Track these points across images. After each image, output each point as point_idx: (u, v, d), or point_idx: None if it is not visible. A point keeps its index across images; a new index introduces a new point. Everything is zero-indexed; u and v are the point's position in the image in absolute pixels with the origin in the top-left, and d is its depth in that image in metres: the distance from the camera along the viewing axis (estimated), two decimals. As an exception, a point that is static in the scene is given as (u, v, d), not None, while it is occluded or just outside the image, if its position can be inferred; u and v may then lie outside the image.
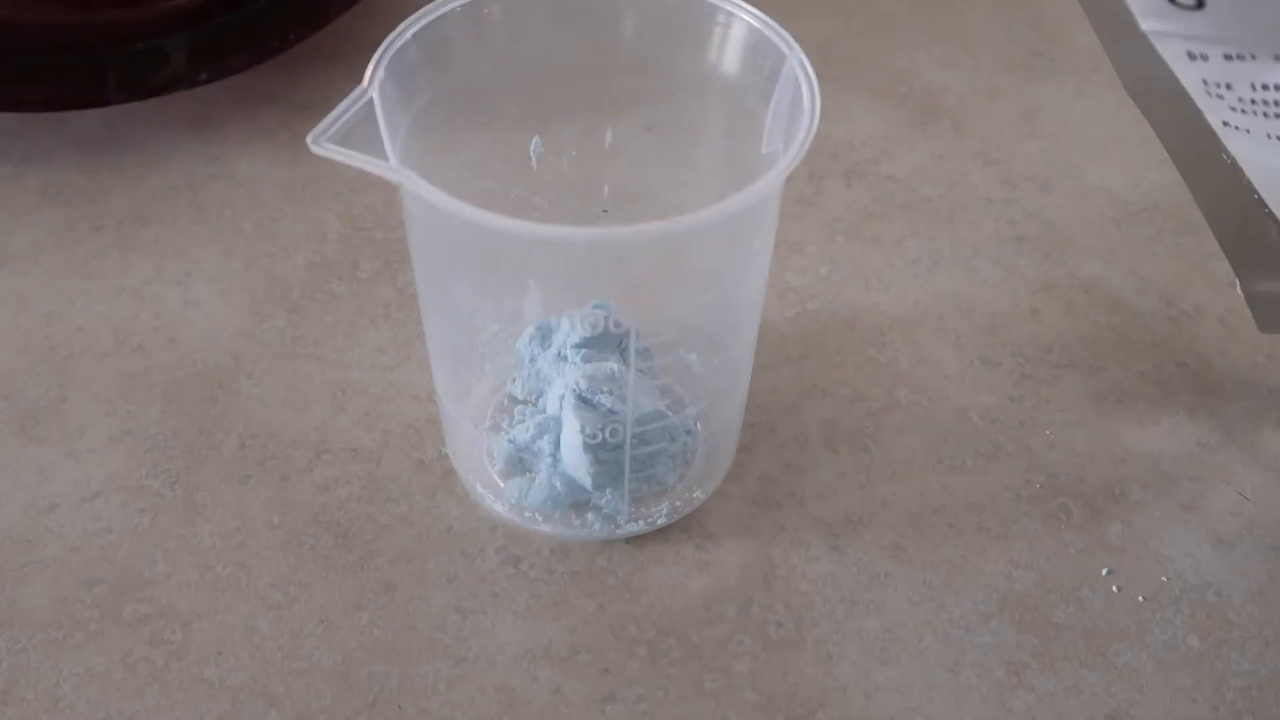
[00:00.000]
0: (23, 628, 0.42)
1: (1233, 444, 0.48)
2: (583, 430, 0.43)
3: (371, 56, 0.39)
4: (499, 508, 0.44)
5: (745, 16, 0.41)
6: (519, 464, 0.45)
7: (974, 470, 0.47)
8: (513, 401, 0.46)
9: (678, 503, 0.44)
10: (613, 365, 0.44)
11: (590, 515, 0.44)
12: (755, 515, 0.45)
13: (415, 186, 0.35)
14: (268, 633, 0.42)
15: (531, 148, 0.44)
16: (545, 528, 0.44)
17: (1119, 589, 0.44)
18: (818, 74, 0.39)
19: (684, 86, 0.43)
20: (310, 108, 0.58)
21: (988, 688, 0.41)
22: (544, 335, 0.46)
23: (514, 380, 0.46)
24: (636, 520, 0.44)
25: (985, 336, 0.51)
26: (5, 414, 0.47)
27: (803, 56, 0.40)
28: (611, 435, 0.42)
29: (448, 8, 0.40)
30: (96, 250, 0.53)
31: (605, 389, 0.43)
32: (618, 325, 0.44)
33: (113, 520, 0.44)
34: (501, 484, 0.45)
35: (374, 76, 0.38)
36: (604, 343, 0.45)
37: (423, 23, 0.40)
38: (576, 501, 0.44)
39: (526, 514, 0.44)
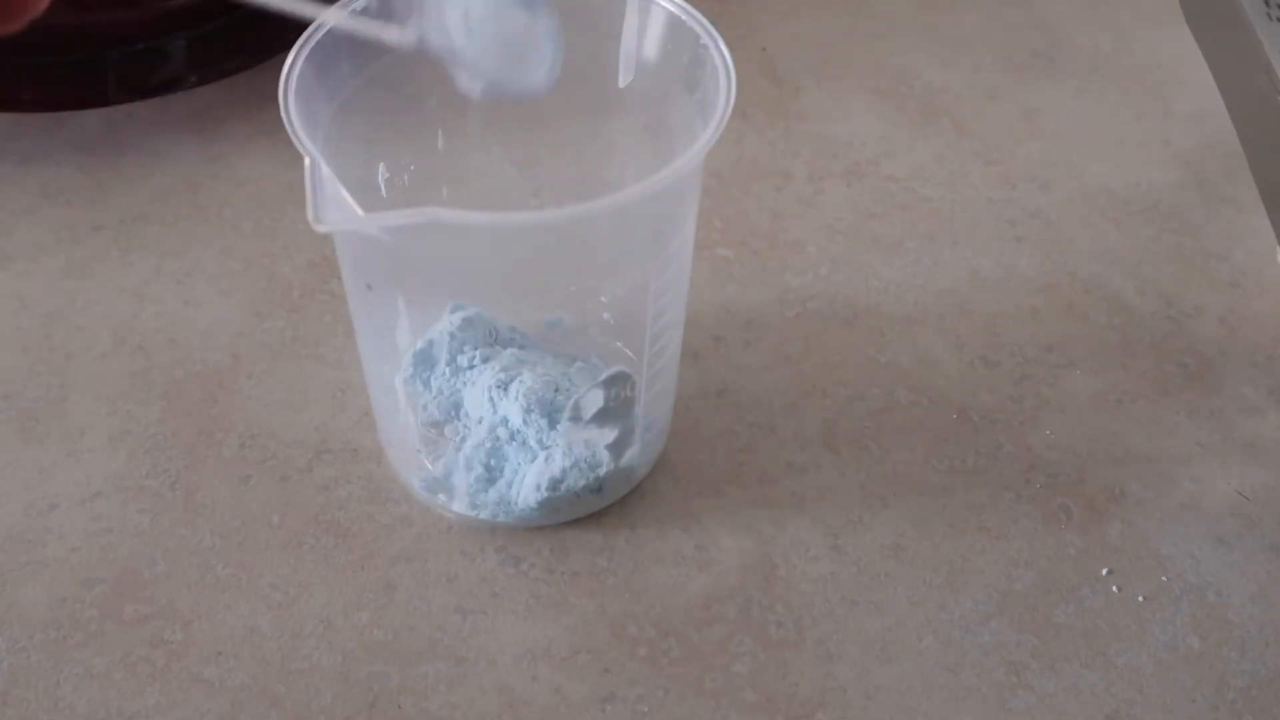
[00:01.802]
0: (23, 628, 0.42)
1: (1232, 444, 0.48)
2: (607, 394, 0.42)
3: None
4: (484, 515, 0.44)
5: (664, 4, 0.41)
6: (487, 472, 0.44)
7: (974, 470, 0.47)
8: (436, 429, 0.45)
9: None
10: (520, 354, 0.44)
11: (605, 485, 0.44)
12: (755, 515, 0.45)
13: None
14: (268, 633, 0.42)
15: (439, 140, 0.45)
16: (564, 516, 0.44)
17: (1119, 589, 0.44)
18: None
19: (604, 74, 0.43)
20: (310, 108, 0.58)
21: (988, 688, 0.41)
22: (423, 361, 0.45)
23: (424, 408, 0.45)
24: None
25: (985, 336, 0.51)
26: (5, 414, 0.47)
27: (722, 45, 0.40)
28: (631, 390, 0.42)
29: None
30: (96, 250, 0.53)
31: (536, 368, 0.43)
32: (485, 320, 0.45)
33: (113, 520, 0.44)
34: (485, 494, 0.44)
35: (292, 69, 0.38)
36: (478, 331, 0.45)
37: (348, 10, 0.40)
38: (588, 486, 0.44)
39: (521, 512, 0.44)
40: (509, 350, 0.45)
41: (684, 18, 0.40)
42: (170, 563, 0.43)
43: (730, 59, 0.39)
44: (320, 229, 0.34)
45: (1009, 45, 0.64)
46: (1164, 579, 0.44)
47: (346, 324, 0.50)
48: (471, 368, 0.45)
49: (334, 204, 0.35)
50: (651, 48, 0.42)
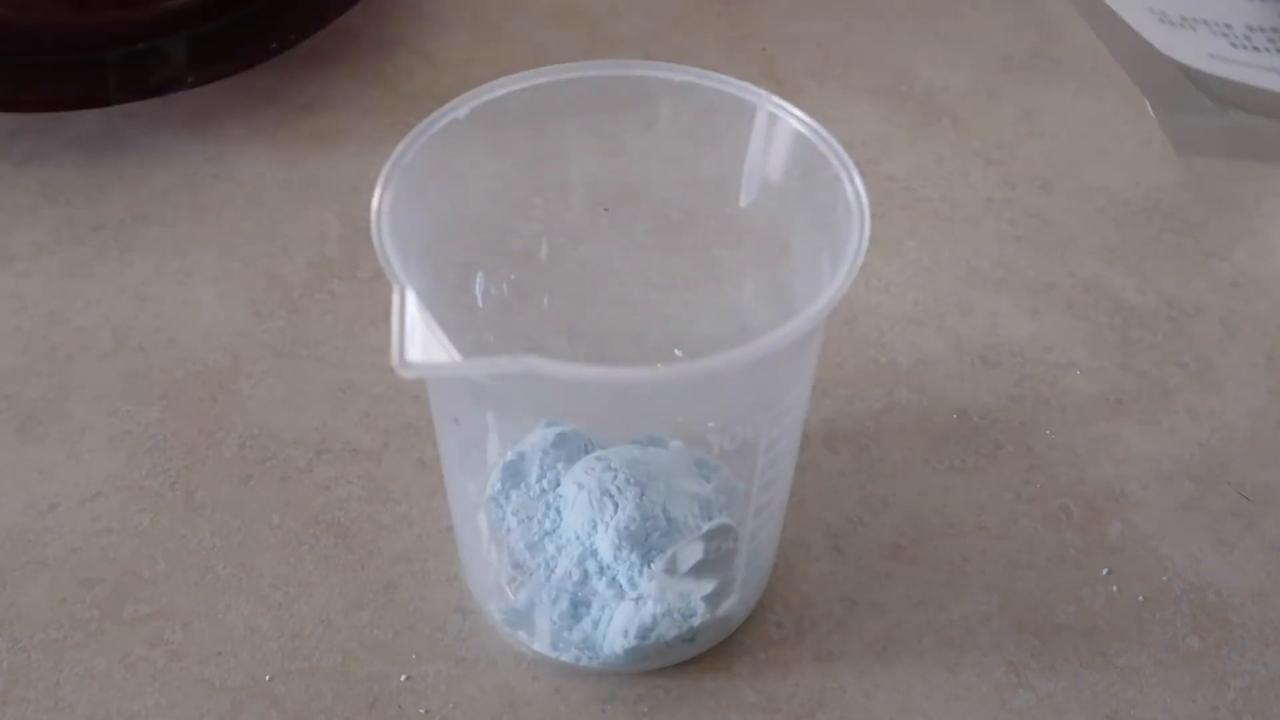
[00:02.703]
0: (23, 628, 0.42)
1: (1232, 443, 0.48)
2: (708, 548, 0.39)
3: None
4: (566, 658, 0.41)
5: (790, 120, 0.38)
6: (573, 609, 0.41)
7: (974, 470, 0.47)
8: (518, 570, 0.41)
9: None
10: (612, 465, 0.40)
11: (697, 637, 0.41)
12: (755, 515, 0.45)
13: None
14: (268, 633, 0.42)
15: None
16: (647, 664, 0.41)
17: (1119, 589, 0.43)
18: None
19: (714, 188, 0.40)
20: (310, 108, 0.58)
21: (988, 688, 0.41)
22: (512, 475, 0.42)
23: (508, 529, 0.41)
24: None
25: (985, 336, 0.51)
26: (5, 414, 0.47)
27: (856, 176, 0.36)
28: (734, 543, 0.38)
29: (452, 114, 0.37)
30: (96, 250, 0.53)
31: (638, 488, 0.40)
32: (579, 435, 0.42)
33: (113, 520, 0.44)
34: (565, 633, 0.41)
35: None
36: (572, 446, 0.42)
37: (437, 126, 0.37)
38: (679, 637, 0.40)
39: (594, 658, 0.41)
40: (601, 464, 0.41)
41: (814, 140, 0.37)
42: (170, 563, 0.43)
43: (864, 193, 0.36)
44: (406, 375, 0.31)
45: (1009, 45, 0.63)
46: (1164, 579, 0.44)
47: (347, 324, 0.50)
48: (559, 486, 0.41)
49: (422, 343, 0.32)
50: (776, 168, 0.39)
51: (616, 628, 0.40)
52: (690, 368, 0.34)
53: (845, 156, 0.37)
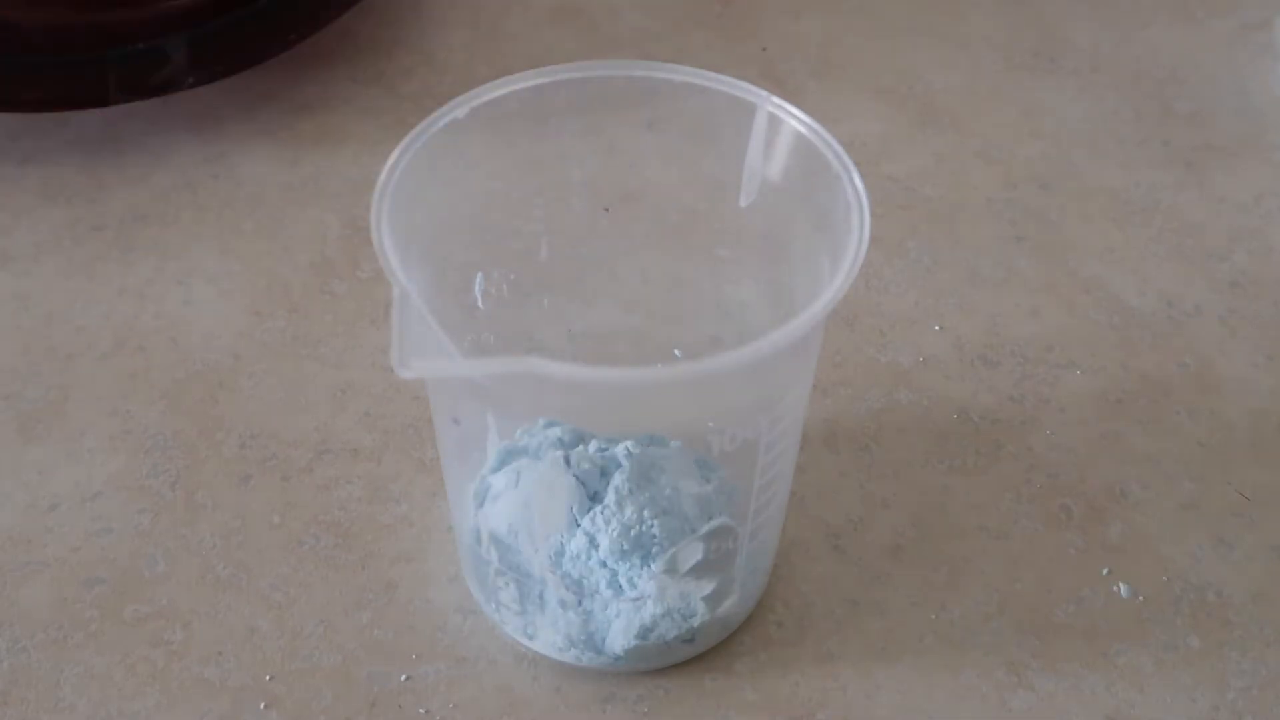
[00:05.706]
0: (23, 628, 0.42)
1: (1233, 443, 0.48)
2: (707, 548, 0.39)
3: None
4: (567, 657, 0.41)
5: (790, 120, 0.38)
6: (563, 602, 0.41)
7: (974, 470, 0.47)
8: (518, 570, 0.41)
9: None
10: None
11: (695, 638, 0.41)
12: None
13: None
14: (268, 633, 0.42)
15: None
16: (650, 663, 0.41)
17: (1119, 589, 0.44)
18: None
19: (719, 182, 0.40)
20: (310, 108, 0.59)
21: (988, 688, 0.41)
22: (508, 459, 0.42)
23: (507, 529, 0.41)
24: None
25: (985, 336, 0.51)
26: (5, 414, 0.47)
27: (856, 176, 0.36)
28: (734, 543, 0.38)
29: (452, 115, 0.37)
30: (97, 250, 0.53)
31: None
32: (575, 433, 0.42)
33: (113, 520, 0.44)
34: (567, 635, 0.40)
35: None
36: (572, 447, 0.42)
37: (437, 126, 0.37)
38: (679, 637, 0.40)
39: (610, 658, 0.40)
40: (601, 464, 0.41)
41: (815, 140, 0.37)
42: (170, 563, 0.43)
43: (864, 193, 0.36)
44: (405, 375, 0.31)
45: (1009, 45, 0.64)
46: (1164, 579, 0.44)
47: (347, 324, 0.50)
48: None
49: (422, 343, 0.32)
50: (777, 169, 0.39)
51: (616, 628, 0.40)
52: (690, 368, 0.34)
53: (845, 156, 0.37)
